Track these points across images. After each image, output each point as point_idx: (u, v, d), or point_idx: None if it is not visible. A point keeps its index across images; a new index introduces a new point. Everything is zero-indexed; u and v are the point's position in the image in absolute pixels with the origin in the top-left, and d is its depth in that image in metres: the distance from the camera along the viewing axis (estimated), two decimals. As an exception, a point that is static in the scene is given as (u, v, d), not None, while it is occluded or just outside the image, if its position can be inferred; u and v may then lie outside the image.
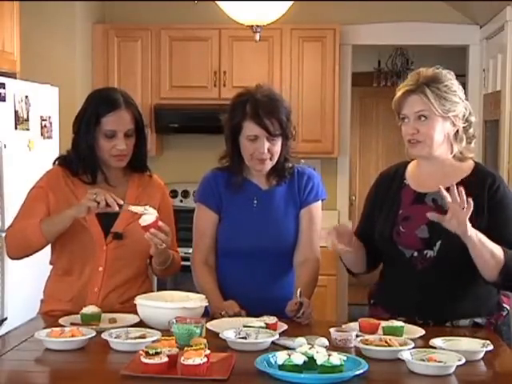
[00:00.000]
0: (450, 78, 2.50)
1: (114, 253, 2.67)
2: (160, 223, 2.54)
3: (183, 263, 2.89)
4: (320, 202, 2.81)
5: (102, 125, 2.63)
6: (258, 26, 4.06)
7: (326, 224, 2.88)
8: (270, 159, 2.69)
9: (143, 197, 2.74)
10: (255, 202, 2.75)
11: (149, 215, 2.53)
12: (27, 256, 2.71)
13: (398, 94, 2.51)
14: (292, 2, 4.09)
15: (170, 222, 2.81)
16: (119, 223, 2.67)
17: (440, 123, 2.47)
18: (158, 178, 2.88)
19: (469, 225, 2.31)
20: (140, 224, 2.53)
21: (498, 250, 2.38)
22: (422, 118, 2.46)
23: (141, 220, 2.53)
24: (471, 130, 2.54)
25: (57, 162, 2.75)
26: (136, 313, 2.48)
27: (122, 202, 2.54)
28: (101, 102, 2.66)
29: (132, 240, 2.66)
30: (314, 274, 2.77)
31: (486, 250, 2.36)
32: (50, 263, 2.78)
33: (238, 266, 2.72)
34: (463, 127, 2.51)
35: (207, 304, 2.51)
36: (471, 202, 2.30)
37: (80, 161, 2.68)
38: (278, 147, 2.69)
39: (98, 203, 2.49)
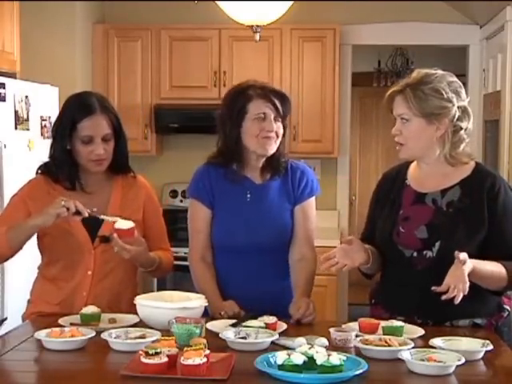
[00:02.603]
0: (439, 81, 2.46)
1: (103, 256, 2.66)
2: (136, 234, 2.55)
3: (183, 263, 2.89)
4: (314, 197, 2.82)
5: (78, 131, 2.62)
6: (258, 26, 4.06)
7: (327, 224, 2.89)
8: (275, 142, 2.70)
9: (128, 198, 2.73)
10: (248, 196, 2.74)
11: (125, 222, 2.54)
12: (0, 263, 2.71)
13: (386, 94, 2.53)
14: (292, 1, 4.09)
15: (158, 220, 2.82)
16: (106, 226, 2.66)
17: (422, 126, 2.46)
18: (141, 177, 2.86)
19: (464, 272, 2.28)
20: (114, 227, 2.53)
21: (497, 269, 2.39)
22: (404, 121, 2.47)
23: (117, 223, 2.53)
24: (461, 133, 2.48)
25: (39, 172, 2.74)
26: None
27: (88, 211, 2.53)
28: (76, 108, 2.64)
29: None
30: (312, 271, 2.77)
31: (486, 278, 2.38)
32: (38, 268, 2.78)
33: (234, 260, 2.71)
34: (452, 131, 2.47)
35: (207, 304, 2.51)
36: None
37: (58, 167, 2.67)
38: (281, 131, 2.70)
39: (68, 209, 2.48)
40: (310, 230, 2.79)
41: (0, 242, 2.57)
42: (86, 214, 2.52)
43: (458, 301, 2.25)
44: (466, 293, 2.26)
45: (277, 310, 2.52)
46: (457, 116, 2.46)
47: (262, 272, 2.70)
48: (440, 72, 2.50)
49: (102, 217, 2.58)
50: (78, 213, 2.50)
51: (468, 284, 2.27)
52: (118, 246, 2.54)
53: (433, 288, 2.29)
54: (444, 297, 2.26)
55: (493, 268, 2.39)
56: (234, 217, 2.74)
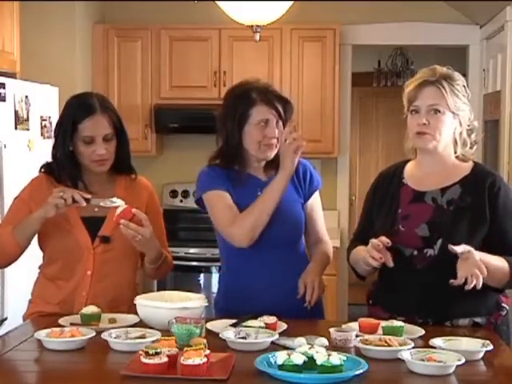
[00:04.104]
0: (462, 80, 2.54)
1: (102, 256, 2.66)
2: (134, 210, 2.53)
3: (183, 263, 2.88)
4: (318, 191, 2.85)
5: (79, 131, 2.62)
6: (258, 26, 4.06)
7: (327, 224, 2.90)
8: (276, 147, 2.69)
9: (131, 198, 2.71)
10: (259, 193, 2.71)
11: (120, 207, 2.53)
12: (8, 264, 2.72)
13: (414, 84, 2.51)
14: (292, 1, 4.09)
15: (158, 222, 2.80)
16: (106, 227, 2.66)
17: (450, 119, 2.49)
18: (144, 178, 2.86)
19: (475, 257, 2.30)
20: (116, 213, 2.52)
21: (501, 263, 2.40)
22: (434, 112, 2.47)
23: (118, 209, 2.53)
24: (473, 136, 2.56)
25: (43, 170, 2.75)
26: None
27: (89, 196, 2.54)
28: (76, 109, 2.65)
29: (120, 243, 2.63)
30: (328, 250, 2.82)
31: (491, 272, 2.35)
32: (39, 268, 2.78)
33: (248, 258, 2.68)
34: (467, 130, 2.53)
35: (207, 304, 2.51)
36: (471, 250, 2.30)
37: (60, 168, 2.68)
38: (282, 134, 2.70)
39: (65, 200, 2.49)
40: (321, 219, 2.86)
41: (8, 240, 2.58)
42: (84, 204, 2.51)
43: (479, 286, 2.27)
44: (485, 275, 2.27)
45: (295, 305, 2.58)
46: (472, 116, 2.53)
47: (276, 266, 2.68)
48: (455, 72, 2.55)
49: (100, 204, 2.56)
50: (74, 201, 2.51)
51: (483, 267, 2.27)
52: (131, 230, 2.52)
53: (450, 281, 2.29)
54: (466, 287, 2.27)
55: (497, 262, 2.40)
56: None
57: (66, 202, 2.49)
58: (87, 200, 2.53)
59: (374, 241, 2.43)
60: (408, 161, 2.67)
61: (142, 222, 2.54)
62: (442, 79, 2.48)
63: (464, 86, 2.53)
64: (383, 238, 2.42)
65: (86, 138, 2.62)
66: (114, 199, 2.55)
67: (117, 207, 2.54)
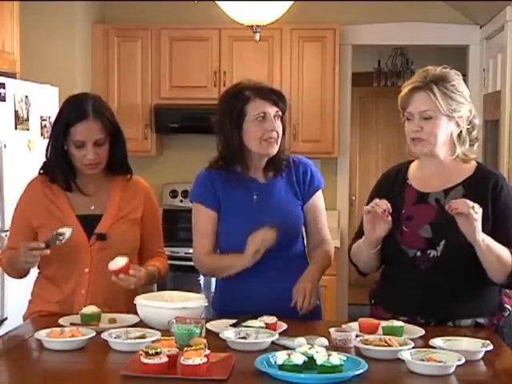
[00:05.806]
0: (457, 79, 2.51)
1: (99, 254, 2.66)
2: (131, 271, 2.52)
3: (183, 263, 2.88)
4: (321, 190, 2.83)
5: (71, 134, 2.62)
6: (258, 26, 4.06)
7: (327, 224, 2.90)
8: (277, 142, 2.68)
9: (127, 197, 2.73)
10: (255, 196, 2.72)
11: (120, 258, 2.52)
12: (22, 277, 2.79)
13: (405, 90, 2.49)
14: (292, 1, 4.09)
15: (155, 222, 2.82)
16: (103, 224, 2.67)
17: (445, 122, 2.47)
18: (141, 179, 2.85)
19: (478, 230, 2.31)
20: (109, 268, 2.51)
21: (505, 254, 2.39)
22: (426, 117, 2.46)
23: (110, 264, 2.51)
24: (474, 133, 2.54)
25: (41, 172, 2.75)
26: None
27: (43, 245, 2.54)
28: (70, 111, 2.65)
29: (116, 240, 2.64)
30: (327, 253, 2.79)
31: (493, 255, 2.36)
32: (38, 267, 2.79)
33: None
34: (467, 129, 2.51)
35: (207, 304, 2.51)
36: (479, 208, 2.30)
37: (53, 168, 2.69)
38: (281, 129, 2.69)
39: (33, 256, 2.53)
40: (323, 223, 2.82)
41: (6, 269, 2.75)
42: (48, 252, 2.51)
43: (463, 211, 2.28)
44: (468, 212, 2.28)
45: (291, 307, 2.57)
46: (472, 114, 2.51)
47: (272, 270, 2.67)
48: (452, 70, 2.53)
49: None
50: (47, 246, 2.52)
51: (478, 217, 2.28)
52: (119, 282, 2.53)
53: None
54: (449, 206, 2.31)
55: (502, 249, 2.39)
56: (241, 218, 2.70)
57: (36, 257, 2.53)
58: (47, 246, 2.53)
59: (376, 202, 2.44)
60: (411, 161, 2.66)
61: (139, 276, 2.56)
62: (431, 83, 2.45)
63: (460, 85, 2.49)
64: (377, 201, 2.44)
65: (77, 142, 2.62)
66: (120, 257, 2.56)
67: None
